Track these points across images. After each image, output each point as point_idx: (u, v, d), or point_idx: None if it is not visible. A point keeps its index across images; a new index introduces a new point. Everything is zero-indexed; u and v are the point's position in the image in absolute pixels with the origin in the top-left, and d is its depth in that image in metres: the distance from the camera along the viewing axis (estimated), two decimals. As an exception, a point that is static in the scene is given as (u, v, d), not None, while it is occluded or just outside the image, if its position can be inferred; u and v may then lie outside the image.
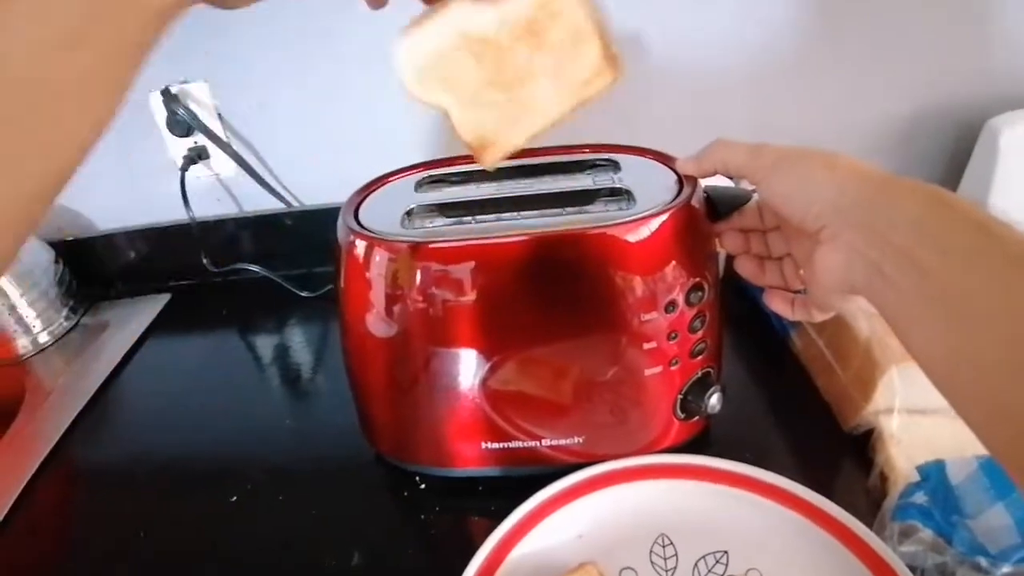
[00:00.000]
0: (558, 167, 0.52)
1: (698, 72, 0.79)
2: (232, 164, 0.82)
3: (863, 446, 0.52)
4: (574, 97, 0.36)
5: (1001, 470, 0.44)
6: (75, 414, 0.69)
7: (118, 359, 0.77)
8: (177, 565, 0.52)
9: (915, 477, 0.47)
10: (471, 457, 0.50)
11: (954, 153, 0.84)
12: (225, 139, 0.81)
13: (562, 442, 0.48)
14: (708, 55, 0.78)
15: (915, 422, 0.51)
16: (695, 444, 0.51)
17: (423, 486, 0.53)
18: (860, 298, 0.53)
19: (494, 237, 0.43)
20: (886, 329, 0.50)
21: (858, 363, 0.52)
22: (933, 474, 0.47)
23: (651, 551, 0.45)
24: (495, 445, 0.49)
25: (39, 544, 0.56)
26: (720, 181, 0.68)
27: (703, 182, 0.47)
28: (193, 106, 0.79)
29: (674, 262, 0.43)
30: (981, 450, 0.45)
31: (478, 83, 0.36)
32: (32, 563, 0.54)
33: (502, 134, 0.37)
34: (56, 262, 0.85)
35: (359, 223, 0.46)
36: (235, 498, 0.56)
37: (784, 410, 0.58)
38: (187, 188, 0.82)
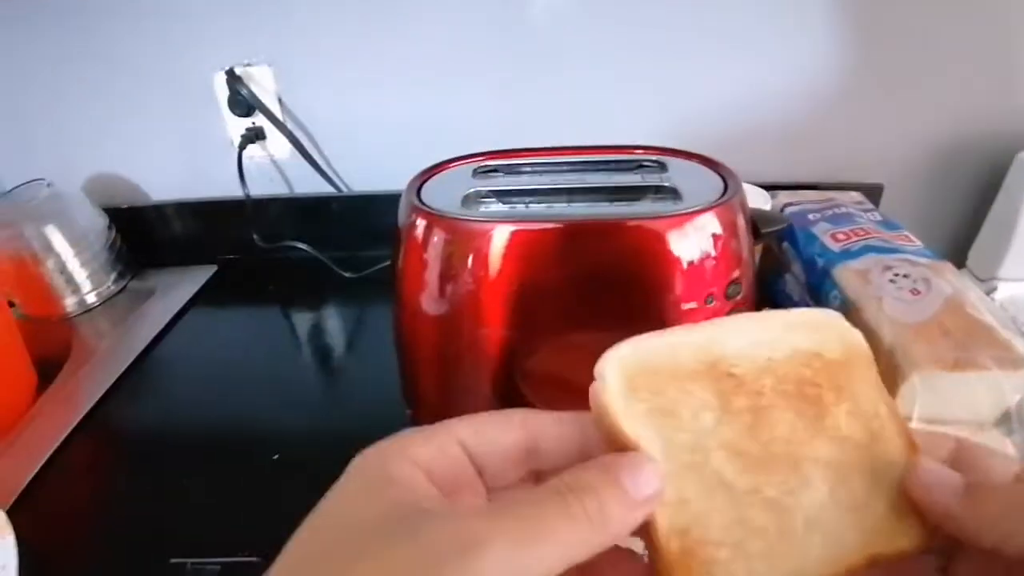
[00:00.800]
0: (608, 164, 0.55)
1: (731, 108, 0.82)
2: (287, 146, 0.85)
3: (881, 452, 0.54)
4: (865, 544, 0.23)
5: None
6: (117, 375, 0.72)
7: (162, 325, 0.80)
8: (217, 517, 0.54)
9: (930, 484, 0.49)
10: (507, 430, 0.52)
11: (986, 184, 0.86)
12: (282, 121, 0.85)
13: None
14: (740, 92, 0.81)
15: (932, 430, 0.53)
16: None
17: (458, 457, 0.56)
18: (885, 305, 0.56)
19: (546, 222, 0.46)
20: (910, 336, 0.53)
21: (881, 369, 0.54)
22: (947, 482, 0.49)
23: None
24: (531, 420, 0.51)
25: (71, 499, 0.58)
26: (755, 196, 0.72)
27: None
28: (255, 88, 0.83)
29: (716, 256, 0.46)
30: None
31: (710, 439, 0.24)
32: (64, 516, 0.56)
33: (721, 552, 0.22)
34: (109, 228, 0.89)
35: (421, 202, 0.49)
36: (276, 456, 0.59)
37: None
38: (243, 167, 0.86)
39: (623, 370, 0.25)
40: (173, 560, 0.49)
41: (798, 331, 0.26)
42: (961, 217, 0.90)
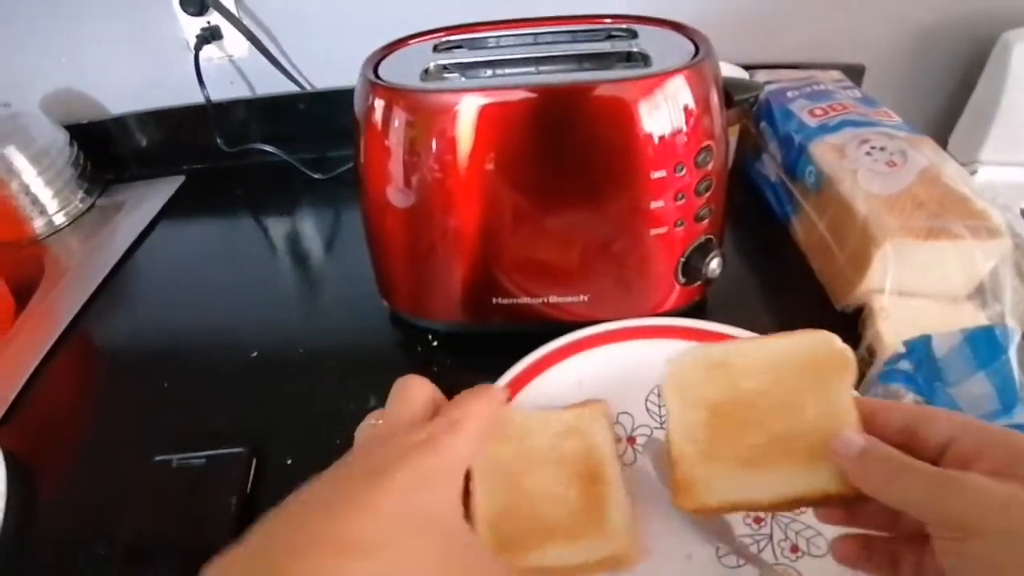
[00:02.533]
0: (577, 34, 0.52)
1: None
2: (245, 44, 0.82)
3: (853, 324, 0.54)
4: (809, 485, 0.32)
5: (985, 342, 0.47)
6: (91, 292, 0.71)
7: (133, 239, 0.79)
8: (200, 414, 0.55)
9: (902, 350, 0.49)
10: (481, 312, 0.53)
11: (968, 65, 0.84)
12: (238, 17, 0.80)
13: (568, 299, 0.51)
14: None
15: (905, 302, 0.53)
16: (693, 311, 0.54)
17: (435, 343, 0.57)
18: (860, 177, 0.55)
19: (511, 89, 0.44)
20: (883, 206, 0.53)
21: (854, 242, 0.54)
22: (919, 347, 0.49)
23: (647, 399, 0.47)
24: (504, 301, 0.51)
25: (55, 411, 0.59)
26: (733, 72, 0.69)
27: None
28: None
29: (685, 122, 0.44)
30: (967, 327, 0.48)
31: (735, 398, 0.35)
32: (49, 428, 0.57)
33: (715, 480, 0.34)
34: (70, 144, 0.86)
35: (378, 78, 0.47)
36: (255, 354, 0.59)
37: (779, 289, 0.60)
38: (201, 70, 0.82)
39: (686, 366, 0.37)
40: (158, 458, 0.50)
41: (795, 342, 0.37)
42: (944, 100, 0.88)
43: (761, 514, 0.39)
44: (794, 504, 0.33)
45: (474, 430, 0.32)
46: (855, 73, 0.81)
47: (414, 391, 0.35)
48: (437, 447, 0.30)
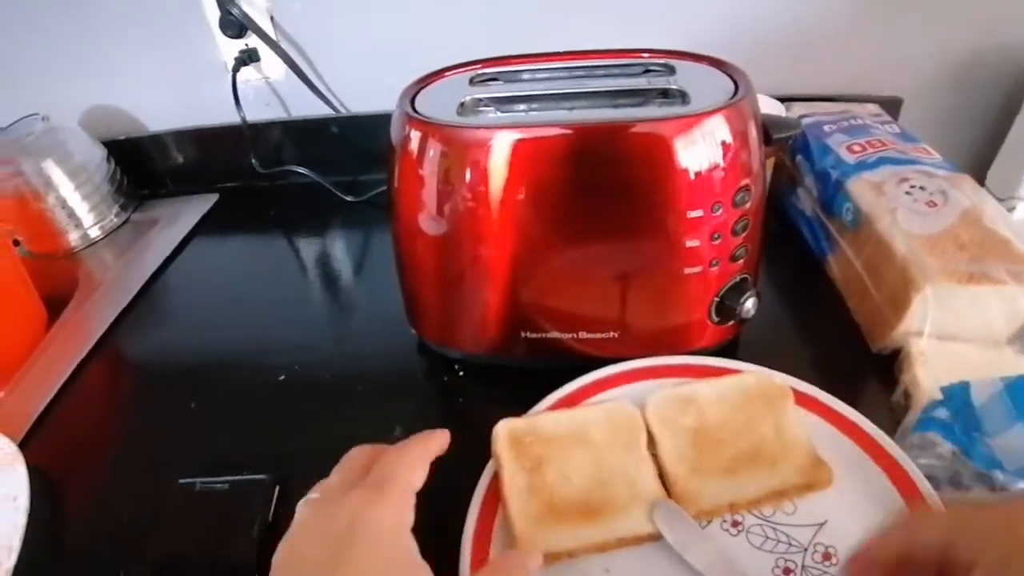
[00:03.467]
0: (613, 69, 0.52)
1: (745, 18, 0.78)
2: (282, 67, 0.83)
3: (889, 367, 0.53)
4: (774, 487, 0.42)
5: (1025, 391, 0.45)
6: (123, 306, 0.72)
7: (166, 255, 0.80)
8: (225, 437, 0.55)
9: (939, 396, 0.48)
10: (509, 344, 0.52)
11: (1007, 100, 0.82)
12: (276, 41, 0.82)
13: (598, 336, 0.50)
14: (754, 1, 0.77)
15: (944, 347, 0.51)
16: (725, 350, 0.53)
17: (462, 373, 0.56)
18: (900, 216, 0.54)
19: (546, 126, 0.44)
20: (923, 247, 0.52)
21: (893, 282, 0.53)
22: (957, 394, 0.47)
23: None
24: (533, 335, 0.51)
25: (81, 428, 0.59)
26: (768, 105, 0.69)
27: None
28: (246, 7, 0.80)
29: (724, 162, 0.44)
30: (1007, 375, 0.46)
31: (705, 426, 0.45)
32: (74, 445, 0.57)
33: (706, 488, 0.42)
34: (108, 160, 0.87)
35: (415, 111, 0.47)
36: (283, 377, 0.59)
37: (814, 328, 0.59)
38: (238, 91, 0.83)
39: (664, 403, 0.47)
40: (182, 481, 0.50)
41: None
42: (982, 134, 0.86)
43: (791, 565, 0.39)
44: (772, 498, 0.42)
45: (398, 491, 0.35)
46: (892, 105, 0.80)
47: (350, 460, 0.39)
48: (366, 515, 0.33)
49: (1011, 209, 0.78)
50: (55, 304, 0.75)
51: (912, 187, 0.57)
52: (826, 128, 0.67)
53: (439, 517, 0.44)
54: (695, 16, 0.79)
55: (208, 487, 0.50)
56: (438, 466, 0.49)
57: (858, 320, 0.58)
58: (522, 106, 0.49)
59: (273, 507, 0.48)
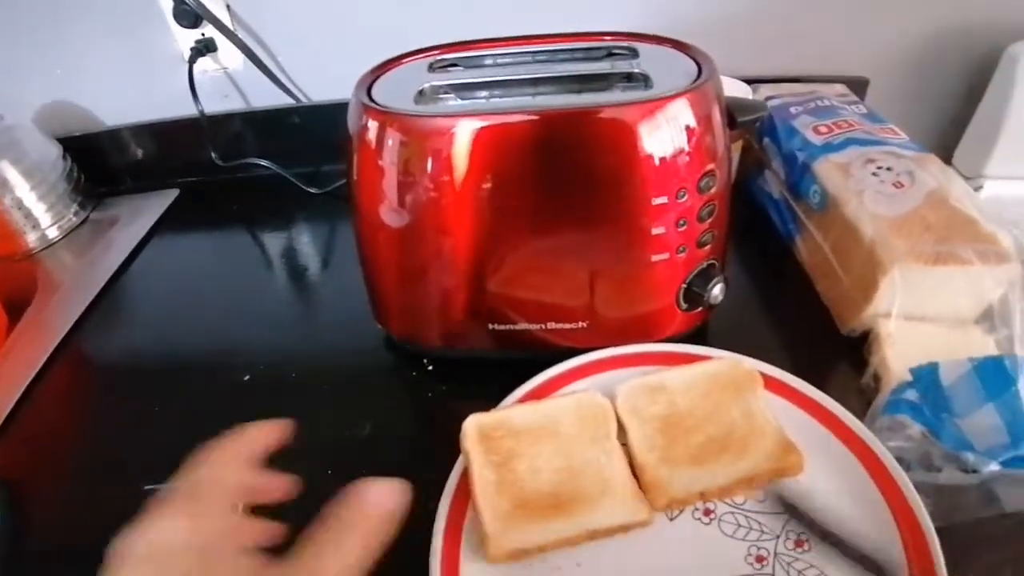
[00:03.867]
0: (576, 53, 0.51)
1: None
2: (240, 57, 0.81)
3: (858, 349, 0.53)
4: (745, 472, 0.41)
5: (994, 372, 0.45)
6: (84, 306, 0.70)
7: (127, 253, 0.78)
8: (190, 439, 0.53)
9: (908, 378, 0.48)
10: (477, 338, 0.51)
11: (974, 78, 0.83)
12: (233, 30, 0.79)
13: (566, 326, 0.50)
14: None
15: (912, 327, 0.52)
16: (695, 336, 0.53)
17: (430, 368, 0.55)
18: (866, 198, 0.54)
19: (508, 113, 0.43)
20: (890, 229, 0.52)
21: (860, 264, 0.53)
22: (926, 375, 0.48)
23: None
24: (501, 327, 0.50)
25: (45, 431, 0.57)
26: (734, 87, 0.68)
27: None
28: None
29: (688, 147, 0.43)
30: (975, 355, 0.47)
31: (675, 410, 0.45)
32: (38, 449, 0.56)
33: (675, 477, 0.41)
34: (64, 158, 0.85)
35: (372, 100, 0.46)
36: (247, 377, 0.58)
37: (783, 312, 0.59)
38: (195, 83, 0.81)
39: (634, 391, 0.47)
40: (147, 487, 0.48)
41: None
42: (949, 113, 0.87)
43: (763, 552, 0.39)
44: (742, 484, 0.41)
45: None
46: (859, 86, 0.80)
47: None
48: None
49: (978, 188, 0.79)
50: (14, 308, 0.73)
51: (879, 168, 0.57)
52: (792, 110, 0.67)
53: (409, 515, 0.44)
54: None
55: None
56: (408, 462, 0.49)
57: (827, 303, 0.58)
58: (483, 93, 0.48)
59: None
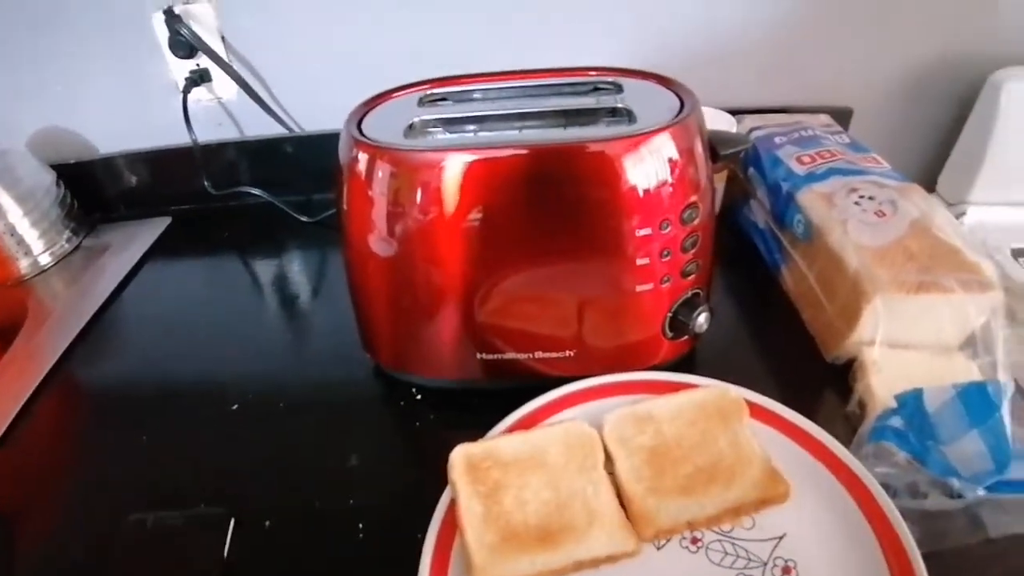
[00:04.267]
0: (562, 88, 0.52)
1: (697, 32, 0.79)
2: (234, 87, 0.82)
3: (843, 376, 0.53)
4: (734, 502, 0.42)
5: (978, 398, 0.46)
6: (75, 334, 0.70)
7: (118, 280, 0.78)
8: (178, 469, 0.53)
9: (893, 405, 0.49)
10: (465, 367, 0.52)
11: (957, 106, 0.84)
12: (227, 61, 0.81)
13: (554, 355, 0.50)
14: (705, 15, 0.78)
15: (897, 355, 0.52)
16: (681, 364, 0.53)
17: (419, 397, 0.56)
18: (850, 228, 0.55)
19: (495, 148, 0.44)
20: (873, 259, 0.52)
21: (845, 294, 0.53)
22: (910, 401, 0.48)
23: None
24: (490, 356, 0.50)
25: (34, 460, 0.57)
26: (719, 118, 0.69)
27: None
28: (196, 27, 0.79)
29: (671, 179, 0.44)
30: (959, 382, 0.47)
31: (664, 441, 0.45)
32: (26, 479, 0.55)
33: (663, 508, 0.42)
34: (57, 184, 0.85)
35: (362, 134, 0.47)
36: (235, 407, 0.58)
37: (769, 340, 0.59)
38: (189, 112, 0.82)
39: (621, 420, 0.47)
40: (134, 516, 0.48)
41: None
42: (932, 141, 0.88)
43: None
44: (729, 514, 0.42)
45: None
46: (843, 116, 0.81)
47: None
48: None
49: (961, 214, 0.80)
50: (4, 334, 0.73)
51: (861, 197, 0.58)
52: (777, 140, 0.68)
53: (394, 545, 0.44)
54: (646, 30, 0.79)
55: (161, 522, 0.48)
56: (397, 492, 0.49)
57: (812, 331, 0.59)
58: (471, 127, 0.49)
59: (228, 541, 0.47)
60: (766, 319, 0.62)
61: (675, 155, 0.44)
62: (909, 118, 0.86)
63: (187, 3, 0.78)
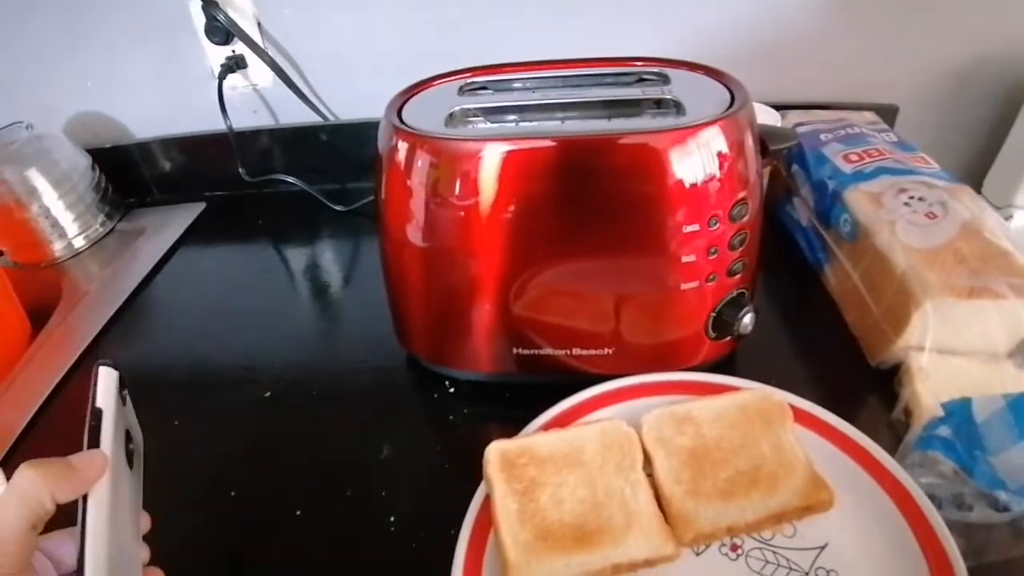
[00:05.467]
0: (606, 78, 0.51)
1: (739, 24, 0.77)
2: (269, 74, 0.81)
3: (889, 381, 0.52)
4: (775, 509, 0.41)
5: (1028, 409, 0.44)
6: (108, 316, 0.71)
7: (152, 264, 0.79)
8: (209, 457, 0.53)
9: (940, 413, 0.47)
10: (501, 361, 0.51)
11: (1004, 109, 0.81)
12: (263, 48, 0.80)
13: (592, 352, 0.49)
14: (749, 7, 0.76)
15: (944, 361, 0.51)
16: (722, 365, 0.52)
17: (452, 390, 0.55)
18: (899, 229, 0.53)
19: (538, 138, 0.43)
20: (923, 261, 0.51)
21: (891, 296, 0.52)
22: (958, 411, 0.47)
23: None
24: (526, 351, 0.50)
25: (66, 443, 0.57)
26: (764, 113, 0.68)
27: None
28: (232, 13, 0.78)
29: (720, 175, 0.43)
30: (1009, 391, 0.45)
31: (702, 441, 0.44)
32: (62, 455, 0.55)
33: (702, 511, 0.41)
34: (93, 168, 0.86)
35: (402, 122, 0.46)
36: (268, 394, 0.58)
37: (812, 342, 0.58)
38: (224, 98, 0.82)
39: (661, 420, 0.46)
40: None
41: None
42: (978, 142, 0.85)
43: None
44: (771, 521, 0.40)
45: None
46: (888, 113, 0.79)
47: None
48: None
49: (1008, 217, 0.77)
50: (39, 315, 0.74)
51: (911, 198, 0.56)
52: (822, 137, 0.66)
53: (426, 540, 0.43)
54: (689, 22, 0.78)
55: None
56: (429, 486, 0.48)
57: (856, 334, 0.57)
58: (512, 116, 0.48)
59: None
60: (808, 319, 0.61)
61: (725, 149, 0.42)
62: (955, 118, 0.84)
63: (225, -11, 0.78)
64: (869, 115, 0.73)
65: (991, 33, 0.77)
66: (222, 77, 0.82)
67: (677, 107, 0.46)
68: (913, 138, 0.67)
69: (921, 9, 0.75)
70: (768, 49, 0.79)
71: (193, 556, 0.44)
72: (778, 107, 0.71)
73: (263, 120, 0.89)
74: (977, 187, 0.81)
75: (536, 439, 0.45)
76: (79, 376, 0.63)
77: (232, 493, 0.49)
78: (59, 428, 0.58)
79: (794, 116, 0.73)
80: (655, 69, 0.51)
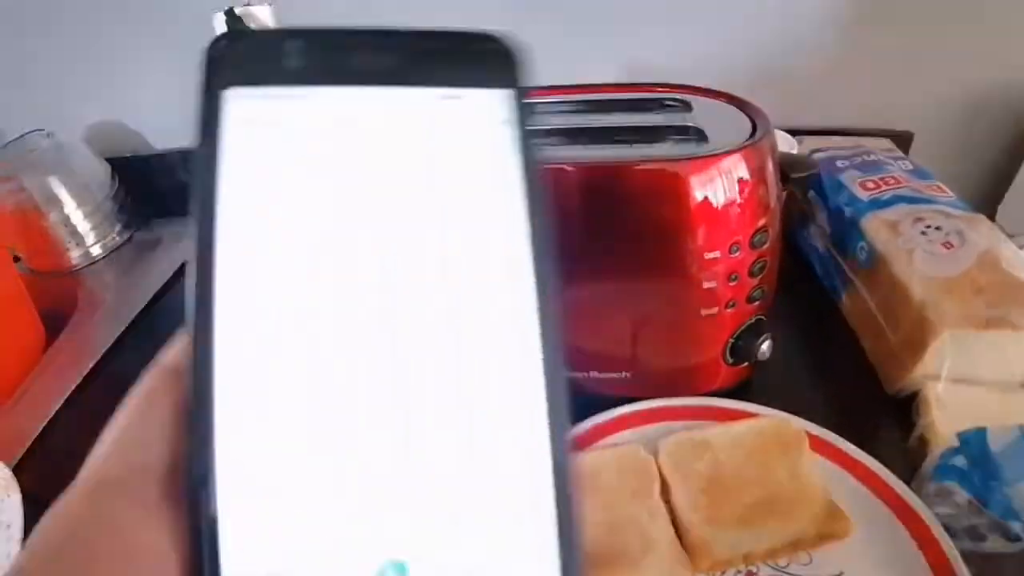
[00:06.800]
0: (629, 104, 0.52)
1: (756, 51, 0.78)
2: (291, 89, 0.82)
3: (905, 410, 0.52)
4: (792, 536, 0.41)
5: (1044, 440, 0.44)
6: (124, 326, 0.71)
7: (169, 275, 0.78)
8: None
9: (956, 443, 0.47)
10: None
11: (1016, 139, 0.82)
12: (286, 64, 0.81)
13: (610, 376, 0.49)
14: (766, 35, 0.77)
15: (961, 391, 0.51)
16: (739, 391, 0.52)
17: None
18: (916, 258, 0.54)
19: (560, 164, 0.43)
20: (940, 291, 0.51)
21: (908, 325, 0.52)
22: (974, 440, 0.47)
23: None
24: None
25: (79, 453, 0.57)
26: (781, 142, 0.68)
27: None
28: (254, 25, 0.79)
29: (743, 202, 0.43)
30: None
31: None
32: (70, 472, 0.55)
33: (720, 538, 0.41)
34: (112, 177, 0.87)
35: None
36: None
37: (828, 368, 0.58)
38: (244, 111, 0.83)
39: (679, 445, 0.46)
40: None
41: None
42: (992, 169, 0.86)
43: None
44: (788, 548, 0.41)
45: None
46: (903, 140, 0.79)
47: None
48: None
49: (1023, 246, 0.77)
50: (54, 322, 0.74)
51: (928, 227, 0.56)
52: (839, 164, 0.67)
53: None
54: (704, 48, 0.78)
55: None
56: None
57: (873, 361, 0.57)
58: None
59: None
60: (824, 346, 0.61)
61: (748, 177, 0.43)
62: (969, 145, 0.84)
63: (248, 4, 0.79)
64: (885, 142, 0.74)
65: (1005, 62, 0.78)
66: (244, 90, 0.82)
67: (699, 135, 0.46)
68: (927, 165, 0.67)
69: (935, 36, 0.76)
70: (783, 75, 0.79)
71: None
72: (793, 133, 0.71)
73: (282, 134, 0.89)
74: (991, 215, 0.81)
75: None
76: (93, 386, 0.63)
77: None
78: (71, 439, 0.58)
79: (810, 142, 0.74)
80: (677, 95, 0.51)
